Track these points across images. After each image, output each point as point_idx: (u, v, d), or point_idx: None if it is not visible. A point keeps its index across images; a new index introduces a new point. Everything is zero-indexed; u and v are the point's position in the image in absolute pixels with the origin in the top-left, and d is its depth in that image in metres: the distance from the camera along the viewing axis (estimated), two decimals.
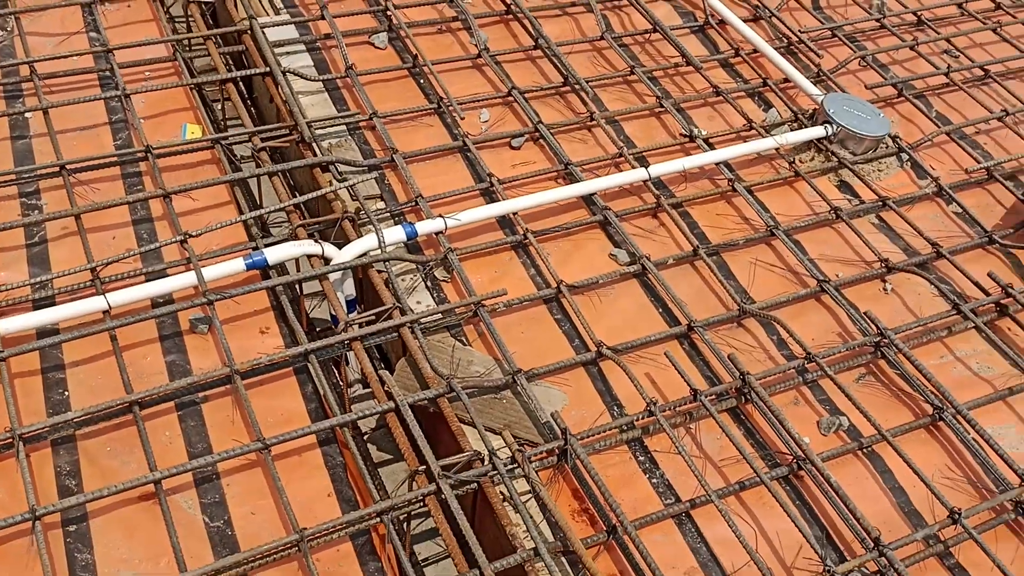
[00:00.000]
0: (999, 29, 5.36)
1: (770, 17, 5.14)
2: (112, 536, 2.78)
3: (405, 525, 3.07)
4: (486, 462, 3.03)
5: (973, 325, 3.72)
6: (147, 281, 3.42)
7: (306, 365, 3.31)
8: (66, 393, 3.12)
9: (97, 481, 2.88)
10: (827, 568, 2.83)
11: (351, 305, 3.77)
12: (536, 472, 3.05)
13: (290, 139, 4.07)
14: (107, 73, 4.26)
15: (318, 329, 4.11)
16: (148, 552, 2.76)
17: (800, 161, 4.41)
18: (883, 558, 2.89)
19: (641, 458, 3.22)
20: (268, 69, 4.29)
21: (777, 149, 4.39)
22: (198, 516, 2.87)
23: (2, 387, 2.99)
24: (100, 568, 2.70)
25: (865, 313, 3.63)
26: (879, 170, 4.43)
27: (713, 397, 3.33)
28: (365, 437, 4.02)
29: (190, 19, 4.58)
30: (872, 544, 2.92)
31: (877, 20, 5.27)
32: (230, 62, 4.75)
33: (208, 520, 2.86)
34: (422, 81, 4.53)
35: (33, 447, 2.94)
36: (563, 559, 2.92)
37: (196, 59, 4.55)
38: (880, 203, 4.21)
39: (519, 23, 4.91)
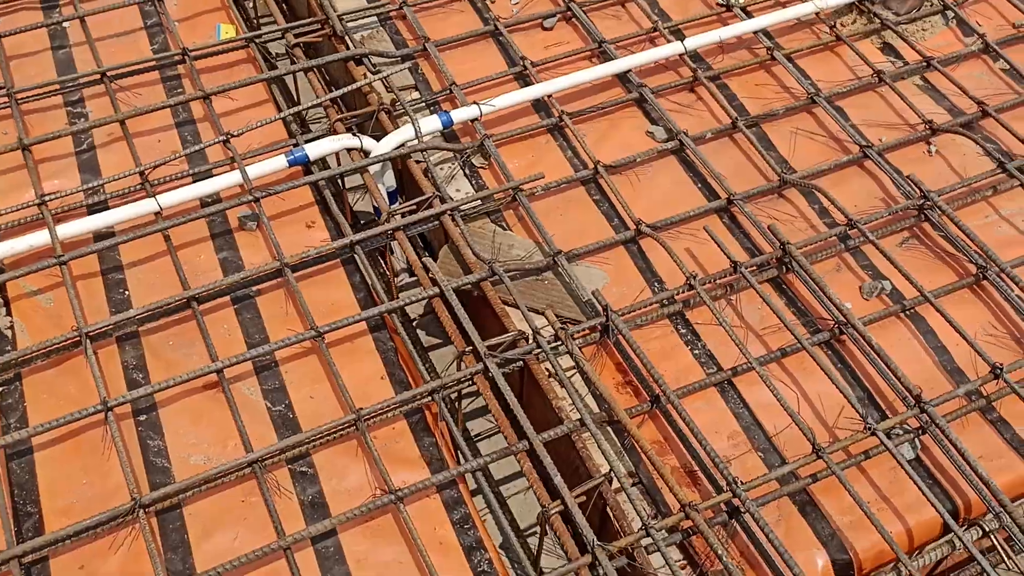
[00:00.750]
0: None
1: None
2: (181, 423, 2.94)
3: (456, 404, 3.19)
4: (530, 341, 3.11)
5: (1019, 183, 3.66)
6: (194, 182, 3.51)
7: (353, 256, 3.40)
8: (127, 292, 3.26)
9: (162, 373, 3.03)
10: (868, 426, 2.90)
11: (392, 196, 3.84)
12: (580, 348, 3.13)
13: (322, 33, 4.07)
14: None
15: (362, 222, 4.19)
16: (216, 436, 2.92)
17: (841, 25, 4.30)
18: (924, 415, 2.95)
19: (683, 331, 3.28)
20: None
21: (817, 13, 4.27)
22: (260, 401, 3.02)
23: (66, 289, 3.13)
24: (172, 452, 2.88)
25: (908, 177, 3.60)
26: (923, 30, 4.30)
27: (754, 268, 3.36)
28: (414, 323, 4.14)
29: None
30: (913, 401, 2.97)
31: None
32: None
33: (270, 405, 3.01)
34: None
35: (100, 344, 3.10)
36: (608, 429, 3.03)
37: None
38: (925, 64, 4.11)
39: None
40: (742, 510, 2.76)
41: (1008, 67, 4.13)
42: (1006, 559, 2.72)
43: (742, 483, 2.78)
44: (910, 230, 3.57)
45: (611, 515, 2.79)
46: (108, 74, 3.83)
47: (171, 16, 4.11)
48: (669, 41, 4.08)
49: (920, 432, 2.97)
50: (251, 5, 4.57)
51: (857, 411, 2.94)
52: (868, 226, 3.45)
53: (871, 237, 3.38)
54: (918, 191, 3.54)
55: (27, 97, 3.77)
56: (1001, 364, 3.06)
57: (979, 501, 2.86)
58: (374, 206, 3.73)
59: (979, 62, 4.20)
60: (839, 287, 3.35)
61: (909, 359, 3.18)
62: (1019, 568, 2.73)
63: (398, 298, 3.30)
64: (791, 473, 2.88)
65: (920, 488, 2.79)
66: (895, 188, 3.66)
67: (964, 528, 2.79)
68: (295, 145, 3.66)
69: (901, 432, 2.98)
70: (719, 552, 2.61)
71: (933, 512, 2.79)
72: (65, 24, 4.09)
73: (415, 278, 3.96)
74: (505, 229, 3.55)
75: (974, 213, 3.62)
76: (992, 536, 2.77)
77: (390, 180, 3.80)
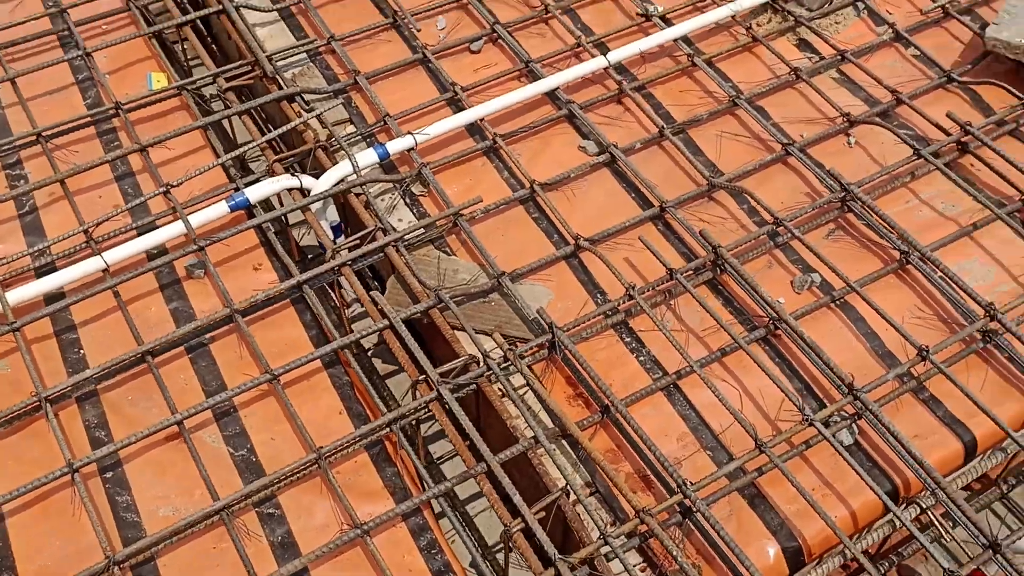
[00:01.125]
0: None
1: None
2: (146, 477, 3.01)
3: (416, 431, 3.28)
4: (481, 364, 3.22)
5: (935, 167, 3.82)
6: (139, 235, 3.57)
7: (302, 295, 3.48)
8: (82, 352, 3.31)
9: (124, 429, 3.10)
10: (806, 417, 3.04)
11: (337, 230, 3.92)
12: (530, 366, 3.25)
13: (254, 75, 4.14)
14: (65, 33, 4.32)
15: (310, 257, 4.26)
16: (182, 487, 3.00)
17: (757, 25, 4.45)
18: (858, 401, 3.10)
19: (627, 339, 3.41)
20: (221, 7, 4.32)
21: (733, 16, 4.41)
22: (222, 448, 3.09)
23: (21, 354, 3.18)
24: (141, 507, 2.95)
25: (829, 170, 3.75)
26: (836, 23, 4.46)
27: (690, 273, 3.49)
28: (370, 352, 4.23)
29: None
30: (847, 389, 3.12)
31: None
32: (185, 1, 4.75)
33: (232, 450, 3.09)
34: None
35: (60, 406, 3.15)
36: (563, 442, 3.15)
37: (150, 4, 4.56)
38: (839, 57, 4.26)
39: None
40: (694, 510, 2.89)
41: (919, 53, 4.30)
42: (944, 533, 2.88)
43: (691, 483, 2.91)
44: (835, 222, 3.73)
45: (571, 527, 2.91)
46: (44, 134, 3.87)
47: (101, 69, 4.15)
48: (594, 55, 4.20)
49: (856, 418, 3.12)
50: (180, 50, 4.62)
51: (794, 403, 3.08)
52: (794, 222, 3.60)
53: (797, 233, 3.53)
54: (838, 184, 3.70)
55: None
56: (927, 346, 3.22)
57: (917, 479, 3.02)
58: (319, 242, 3.81)
59: (891, 50, 4.37)
60: (771, 283, 3.50)
61: (842, 348, 3.34)
62: (957, 541, 2.88)
63: (351, 331, 3.39)
64: (739, 469, 3.01)
65: (858, 472, 2.94)
66: (818, 182, 3.81)
67: (903, 507, 2.95)
68: (236, 189, 3.73)
69: (839, 420, 3.13)
70: (674, 553, 2.74)
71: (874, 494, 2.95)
72: None
73: None
74: (449, 255, 3.65)
75: (895, 200, 3.79)
76: (929, 512, 2.93)
77: (333, 215, 3.88)
